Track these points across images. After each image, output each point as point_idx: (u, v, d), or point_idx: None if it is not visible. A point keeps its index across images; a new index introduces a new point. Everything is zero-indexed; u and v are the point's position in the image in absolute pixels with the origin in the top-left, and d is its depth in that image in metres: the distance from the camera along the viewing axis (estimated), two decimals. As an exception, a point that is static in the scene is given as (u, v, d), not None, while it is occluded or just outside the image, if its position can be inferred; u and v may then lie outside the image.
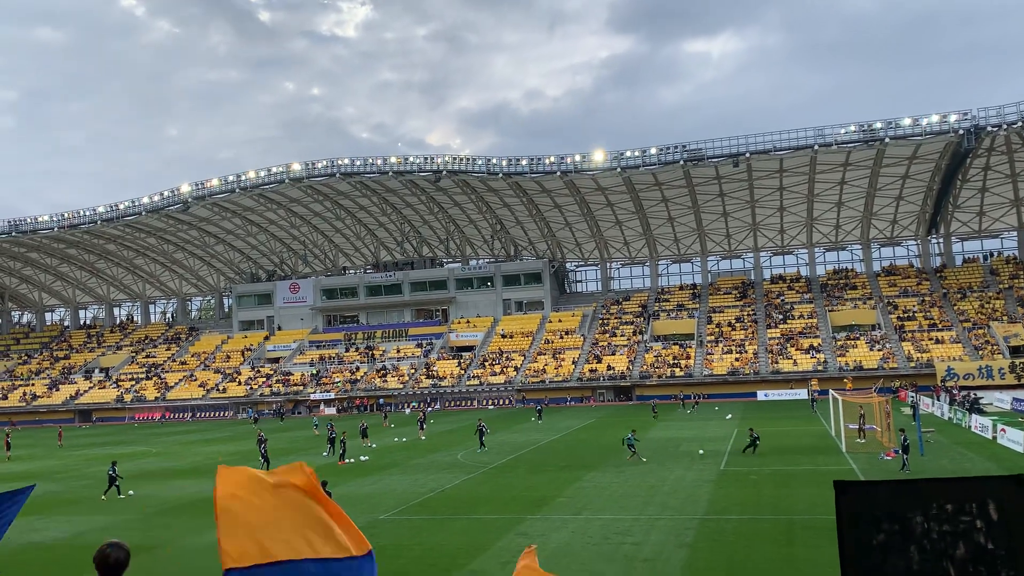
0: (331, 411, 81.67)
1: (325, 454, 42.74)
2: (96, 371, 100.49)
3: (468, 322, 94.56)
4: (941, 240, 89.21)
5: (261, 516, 3.90)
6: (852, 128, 71.78)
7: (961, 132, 68.36)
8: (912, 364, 70.20)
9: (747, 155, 74.11)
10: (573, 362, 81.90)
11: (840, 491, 2.27)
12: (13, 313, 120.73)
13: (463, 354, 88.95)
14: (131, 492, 32.17)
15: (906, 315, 78.78)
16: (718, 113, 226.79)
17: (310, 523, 4.02)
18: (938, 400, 54.60)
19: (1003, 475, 2.00)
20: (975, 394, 54.39)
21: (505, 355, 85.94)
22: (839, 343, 76.58)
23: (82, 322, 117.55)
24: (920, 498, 2.16)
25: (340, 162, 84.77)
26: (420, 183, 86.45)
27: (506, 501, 26.62)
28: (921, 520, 2.15)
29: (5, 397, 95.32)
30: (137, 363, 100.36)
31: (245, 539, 3.85)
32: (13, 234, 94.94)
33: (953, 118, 68.76)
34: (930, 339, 73.65)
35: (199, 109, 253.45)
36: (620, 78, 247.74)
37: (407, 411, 76.94)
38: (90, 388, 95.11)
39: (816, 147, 72.28)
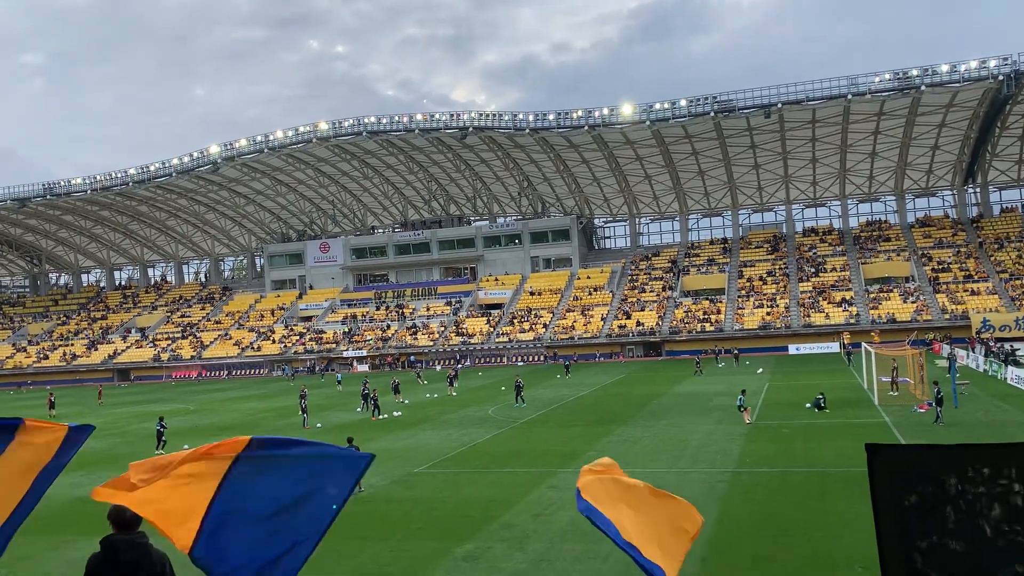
0: (364, 368, 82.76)
1: (359, 409, 43.42)
2: (133, 331, 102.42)
3: (496, 280, 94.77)
4: (978, 190, 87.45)
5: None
6: (887, 76, 70.11)
7: (1001, 78, 66.53)
8: (947, 316, 69.37)
9: (779, 106, 72.80)
10: (602, 318, 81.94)
11: (872, 453, 2.29)
12: (51, 275, 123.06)
13: (492, 312, 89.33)
14: (185, 446, 32.96)
15: (941, 267, 77.62)
16: (749, 64, 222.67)
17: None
18: (973, 352, 54.00)
19: None
20: (1012, 346, 53.66)
21: (534, 312, 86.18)
22: (872, 296, 75.78)
23: (118, 283, 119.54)
24: (954, 461, 2.17)
25: (366, 120, 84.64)
26: (446, 140, 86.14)
27: (537, 455, 26.91)
28: (956, 482, 2.16)
29: (46, 357, 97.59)
30: (172, 322, 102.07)
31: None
32: (48, 197, 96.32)
33: (992, 63, 66.87)
34: (965, 291, 72.61)
35: (224, 69, 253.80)
36: (649, 28, 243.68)
37: (438, 368, 77.79)
38: (127, 348, 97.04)
39: (849, 96, 70.78)
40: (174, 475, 4.23)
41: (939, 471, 2.18)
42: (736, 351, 67.08)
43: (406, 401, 46.81)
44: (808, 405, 34.32)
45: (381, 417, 39.26)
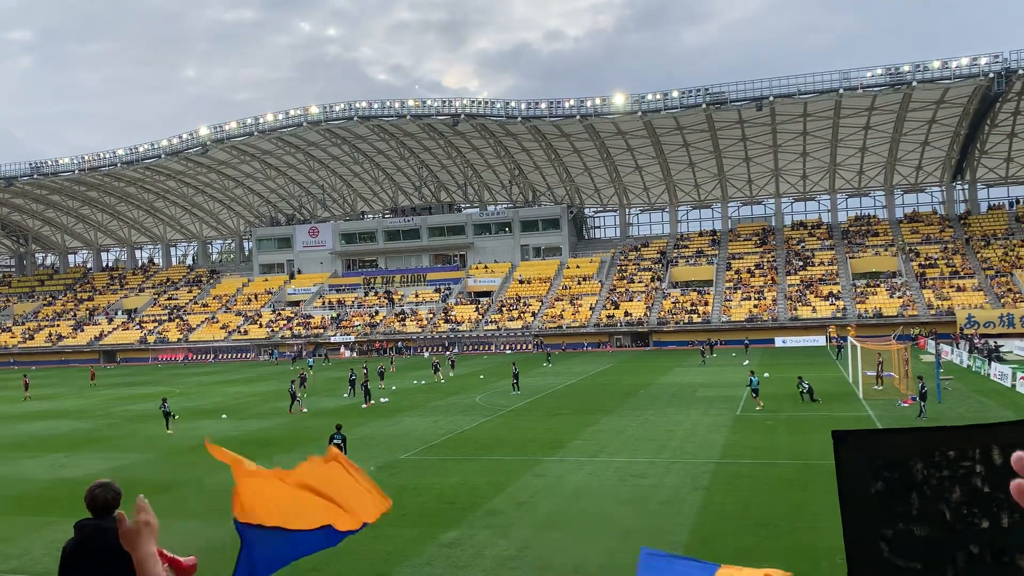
0: (350, 354, 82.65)
1: (346, 395, 43.39)
2: (119, 313, 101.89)
3: (486, 267, 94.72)
4: (966, 187, 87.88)
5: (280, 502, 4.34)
6: (879, 71, 70.25)
7: (991, 75, 66.75)
8: (932, 311, 69.81)
9: (770, 99, 72.84)
10: (590, 308, 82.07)
11: (838, 441, 2.28)
12: (37, 255, 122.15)
13: (481, 299, 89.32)
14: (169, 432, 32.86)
15: (928, 262, 78.07)
16: (743, 55, 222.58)
17: (320, 506, 4.40)
18: (957, 347, 54.42)
19: (1011, 420, 2.01)
20: (995, 342, 54.13)
21: (523, 300, 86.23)
22: (859, 290, 76.18)
23: (105, 264, 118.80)
24: (920, 445, 2.17)
25: (358, 105, 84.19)
26: (438, 127, 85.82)
27: (523, 443, 26.99)
28: (921, 467, 2.16)
29: (31, 337, 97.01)
30: (159, 305, 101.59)
31: (259, 506, 4.25)
32: (35, 176, 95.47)
33: (983, 60, 67.08)
34: (951, 287, 73.08)
35: (215, 50, 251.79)
36: (643, 18, 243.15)
37: (426, 355, 77.77)
38: (114, 329, 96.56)
39: (841, 91, 70.86)
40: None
41: (906, 456, 2.18)
42: (747, 342, 67.93)
43: (394, 387, 46.84)
44: (803, 387, 34.99)
45: (371, 403, 39.15)
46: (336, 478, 4.51)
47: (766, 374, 43.54)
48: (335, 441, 22.48)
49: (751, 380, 33.68)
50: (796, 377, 36.78)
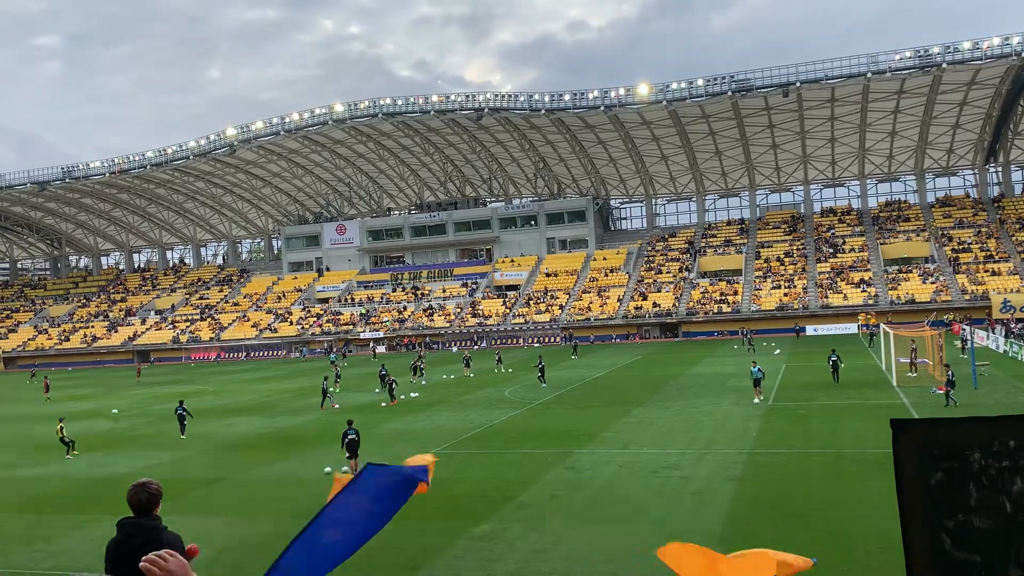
0: (380, 349, 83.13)
1: (377, 391, 43.67)
2: (152, 313, 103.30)
3: (512, 261, 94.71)
4: (999, 169, 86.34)
5: None
6: (908, 54, 69.15)
7: (1024, 55, 65.49)
8: (966, 297, 68.74)
9: (797, 84, 72.00)
10: (618, 300, 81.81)
11: (898, 430, 2.24)
12: (71, 258, 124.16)
13: (508, 293, 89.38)
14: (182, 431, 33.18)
15: (961, 247, 76.85)
16: (769, 40, 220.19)
17: None
18: (993, 333, 53.53)
19: None
20: (1032, 327, 53.15)
21: (550, 293, 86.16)
22: (891, 276, 75.19)
23: (137, 266, 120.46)
24: (979, 434, 2.13)
25: (382, 102, 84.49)
26: (462, 122, 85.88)
27: (554, 436, 27.00)
28: (979, 456, 2.12)
29: (67, 339, 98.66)
30: (191, 304, 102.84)
31: None
32: (67, 180, 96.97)
33: (1016, 40, 65.78)
34: (986, 271, 71.88)
35: (239, 50, 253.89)
36: (667, 5, 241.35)
37: (454, 350, 78.03)
38: (147, 330, 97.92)
39: (869, 75, 69.88)
40: None
41: (964, 445, 2.15)
42: (797, 328, 68.84)
43: (424, 382, 47.08)
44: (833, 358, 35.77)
45: (394, 402, 38.78)
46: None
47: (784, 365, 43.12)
48: (350, 436, 22.60)
49: (752, 371, 32.81)
50: (829, 361, 36.60)
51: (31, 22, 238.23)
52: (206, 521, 18.37)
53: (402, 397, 39.92)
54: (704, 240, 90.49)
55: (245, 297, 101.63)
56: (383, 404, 38.35)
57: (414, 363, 51.01)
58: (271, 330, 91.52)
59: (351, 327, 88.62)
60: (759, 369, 32.71)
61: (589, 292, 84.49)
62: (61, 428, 29.31)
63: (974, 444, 2.08)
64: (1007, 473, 2.04)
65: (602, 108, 78.16)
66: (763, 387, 32.70)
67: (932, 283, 72.20)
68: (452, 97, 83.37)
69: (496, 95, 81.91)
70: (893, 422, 2.19)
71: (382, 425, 31.51)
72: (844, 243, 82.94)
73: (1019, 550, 2.02)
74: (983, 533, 2.05)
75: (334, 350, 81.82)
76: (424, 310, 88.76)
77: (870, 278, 75.52)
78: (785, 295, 75.75)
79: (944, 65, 68.12)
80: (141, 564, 2.82)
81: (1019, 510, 2.03)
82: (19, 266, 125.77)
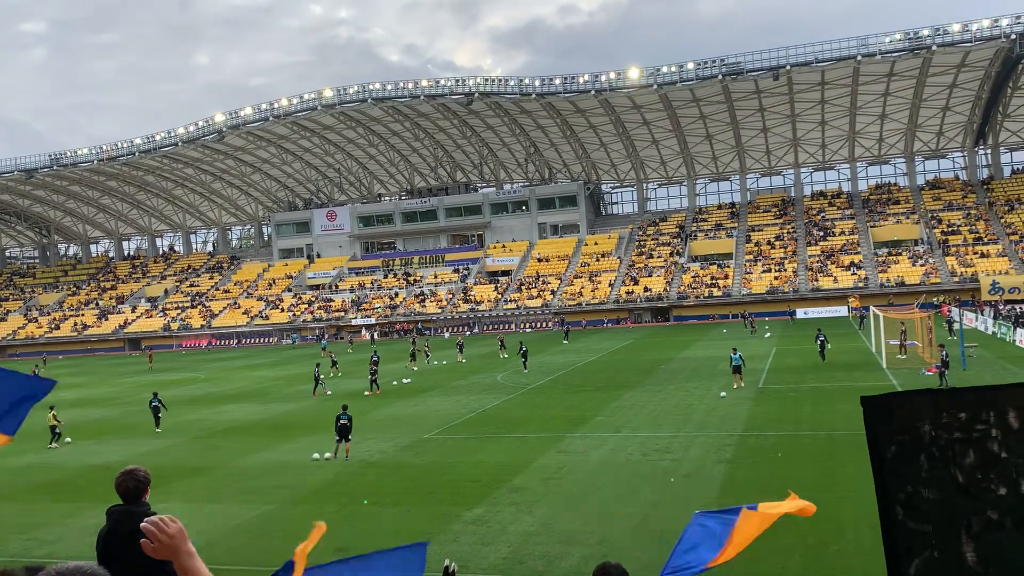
0: (367, 336, 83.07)
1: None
2: (142, 300, 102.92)
3: (504, 247, 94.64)
4: (989, 151, 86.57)
5: None
6: (897, 36, 69.15)
7: (1013, 37, 65.56)
8: (956, 279, 69.11)
9: (787, 68, 71.96)
10: (610, 284, 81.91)
11: (865, 406, 2.27)
12: (60, 245, 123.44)
13: (500, 278, 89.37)
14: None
15: (950, 229, 77.16)
16: (759, 23, 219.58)
17: None
18: (982, 315, 53.86)
19: None
20: (1021, 308, 53.49)
21: (541, 279, 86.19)
22: (881, 259, 75.48)
23: (126, 253, 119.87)
24: (932, 407, 2.15)
25: (371, 87, 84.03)
26: (452, 107, 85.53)
27: (546, 420, 27.09)
28: (929, 429, 2.14)
29: (57, 327, 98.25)
30: (181, 292, 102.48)
31: None
32: (54, 168, 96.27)
33: (1005, 22, 65.86)
34: (975, 253, 72.23)
35: (227, 36, 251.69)
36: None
37: (447, 335, 78.05)
38: (137, 317, 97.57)
39: (859, 58, 69.87)
40: None
41: (916, 418, 2.17)
42: (791, 311, 69.21)
43: (415, 368, 47.13)
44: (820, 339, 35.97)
45: (376, 392, 36.84)
46: None
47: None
48: (341, 421, 22.64)
49: (732, 357, 31.91)
50: (816, 341, 36.75)
51: (15, 7, 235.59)
52: (200, 506, 18.39)
53: (394, 383, 39.95)
54: (695, 224, 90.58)
55: (236, 284, 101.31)
56: (366, 393, 36.81)
57: (413, 349, 51.39)
58: (262, 317, 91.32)
59: (342, 313, 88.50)
60: (739, 356, 32.01)
61: (581, 277, 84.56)
62: (54, 415, 29.20)
63: (926, 416, 2.10)
64: (957, 445, 2.07)
65: (593, 92, 77.95)
66: (736, 375, 31.64)
67: (922, 265, 72.53)
68: (442, 82, 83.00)
69: (486, 79, 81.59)
70: (862, 399, 2.22)
71: (374, 411, 31.56)
72: (834, 226, 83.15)
73: (970, 521, 2.04)
74: (933, 504, 2.07)
75: (325, 336, 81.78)
76: (416, 296, 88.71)
77: (860, 261, 75.80)
78: (775, 278, 75.98)
79: (934, 48, 68.16)
80: (142, 525, 2.81)
81: (972, 482, 2.05)
82: (7, 254, 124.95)
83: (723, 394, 29.81)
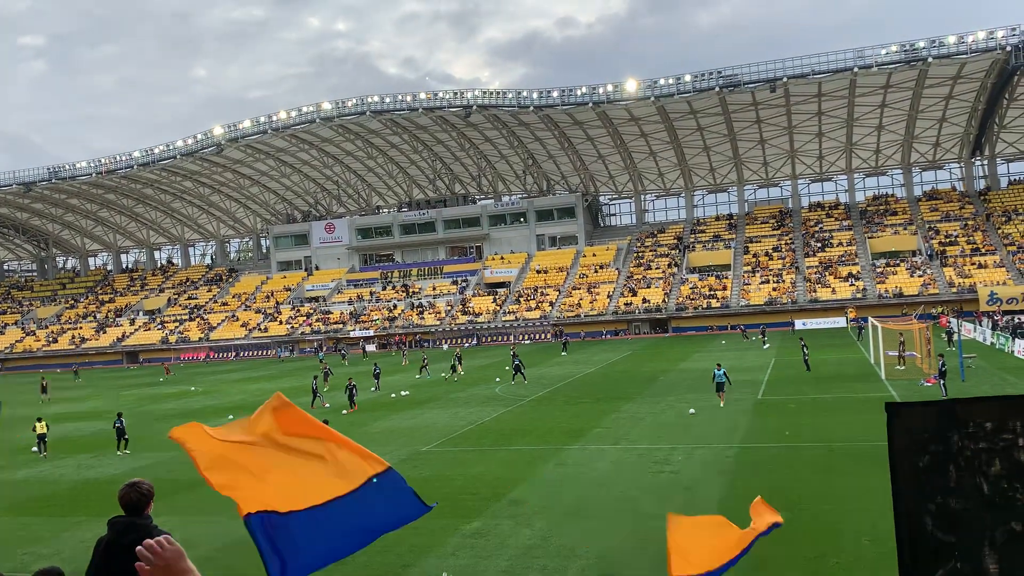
0: (371, 348, 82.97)
1: (373, 390, 43.49)
2: (140, 313, 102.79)
3: (502, 258, 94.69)
4: (985, 162, 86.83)
5: (258, 471, 3.89)
6: (894, 48, 69.49)
7: (1009, 48, 65.90)
8: (954, 290, 69.16)
9: (784, 79, 72.26)
10: (608, 296, 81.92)
11: (892, 414, 2.25)
12: (58, 259, 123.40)
13: (498, 290, 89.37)
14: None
15: (948, 240, 77.28)
16: (757, 36, 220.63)
17: (314, 468, 4.00)
18: (980, 325, 53.86)
19: None
20: (1019, 318, 53.51)
21: (540, 291, 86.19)
22: (879, 270, 75.56)
23: (124, 266, 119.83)
24: (960, 417, 2.14)
25: (370, 100, 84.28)
26: (450, 119, 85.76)
27: (544, 432, 27.00)
28: (958, 439, 2.13)
29: (55, 340, 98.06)
30: (180, 305, 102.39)
31: (253, 489, 3.83)
32: (53, 181, 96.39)
33: (1000, 34, 66.21)
34: (973, 264, 72.34)
35: (226, 49, 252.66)
36: (655, 1, 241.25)
37: (445, 347, 77.98)
38: (135, 330, 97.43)
39: (856, 69, 70.17)
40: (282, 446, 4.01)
41: (946, 428, 2.15)
42: (792, 323, 69.63)
43: (417, 376, 47.03)
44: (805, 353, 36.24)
45: (355, 408, 35.39)
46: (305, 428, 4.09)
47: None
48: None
49: (716, 373, 30.10)
50: (801, 345, 36.72)
51: (14, 21, 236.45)
52: (196, 520, 18.29)
53: (392, 395, 39.85)
54: (693, 236, 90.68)
55: (234, 297, 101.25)
56: (344, 412, 34.70)
57: (423, 363, 51.58)
58: (260, 329, 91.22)
59: (341, 325, 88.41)
60: (723, 372, 30.07)
61: (579, 289, 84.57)
62: (43, 425, 29.38)
63: (954, 425, 2.09)
64: (984, 455, 2.05)
65: (590, 104, 78.20)
66: (719, 393, 30.03)
67: (920, 276, 72.60)
68: (440, 94, 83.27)
69: (484, 92, 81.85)
70: (887, 405, 2.20)
71: (372, 424, 31.46)
72: (832, 237, 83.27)
73: (993, 533, 2.02)
74: (959, 515, 2.05)
75: (323, 349, 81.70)
76: (414, 308, 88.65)
77: (858, 272, 75.88)
78: (774, 290, 76.01)
79: (930, 59, 68.49)
80: (137, 549, 2.80)
81: (997, 492, 2.03)
82: (5, 268, 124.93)
83: (692, 410, 28.65)
